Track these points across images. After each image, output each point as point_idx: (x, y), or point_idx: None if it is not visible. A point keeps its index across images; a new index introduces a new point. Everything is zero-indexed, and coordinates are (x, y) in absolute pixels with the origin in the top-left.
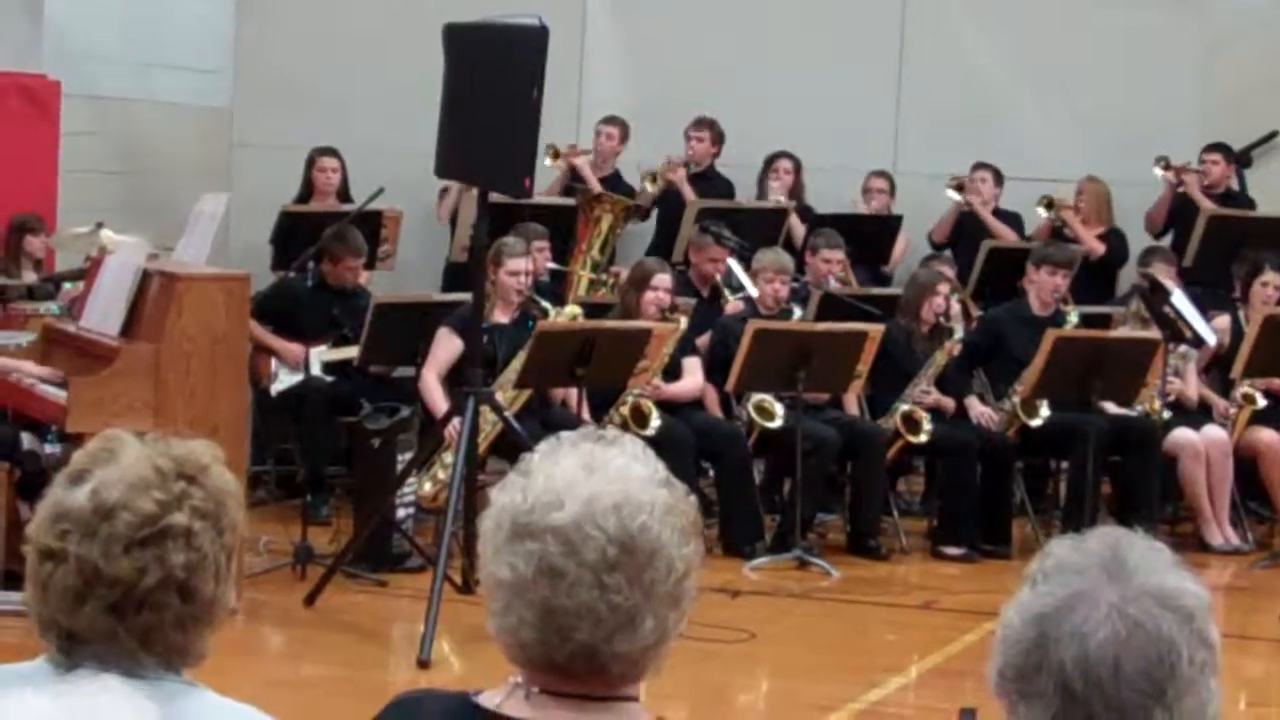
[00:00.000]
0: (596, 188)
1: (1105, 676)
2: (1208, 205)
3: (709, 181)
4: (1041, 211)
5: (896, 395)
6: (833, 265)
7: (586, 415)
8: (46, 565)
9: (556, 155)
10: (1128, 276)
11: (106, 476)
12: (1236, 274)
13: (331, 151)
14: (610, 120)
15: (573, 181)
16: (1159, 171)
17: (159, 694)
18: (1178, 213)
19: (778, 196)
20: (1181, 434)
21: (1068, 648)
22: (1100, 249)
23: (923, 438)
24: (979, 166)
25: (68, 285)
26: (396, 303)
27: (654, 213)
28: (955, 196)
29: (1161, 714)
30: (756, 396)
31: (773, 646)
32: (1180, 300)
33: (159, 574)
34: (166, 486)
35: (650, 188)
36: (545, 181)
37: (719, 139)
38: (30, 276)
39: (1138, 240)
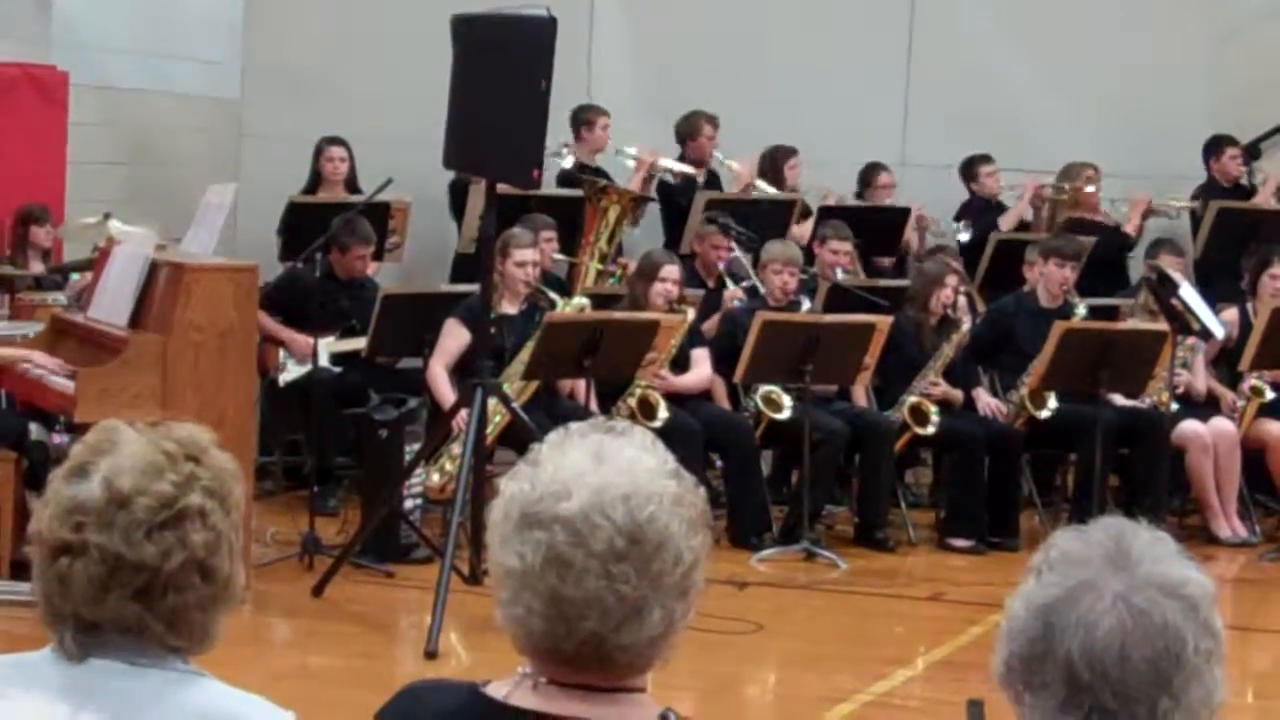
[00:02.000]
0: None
1: (1111, 665)
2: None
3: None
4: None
5: (904, 387)
6: (840, 257)
7: (594, 407)
8: (63, 560)
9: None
10: (1135, 269)
11: (115, 465)
12: (1245, 266)
13: (339, 141)
14: (603, 111)
15: (578, 171)
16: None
17: (168, 682)
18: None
19: (794, 188)
20: (1189, 426)
21: (1074, 638)
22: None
23: (930, 430)
24: (982, 160)
25: (75, 276)
26: (404, 294)
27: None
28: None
29: (1168, 702)
30: (764, 388)
31: (780, 638)
32: (1188, 292)
33: (182, 555)
34: (177, 469)
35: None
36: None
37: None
38: (38, 267)
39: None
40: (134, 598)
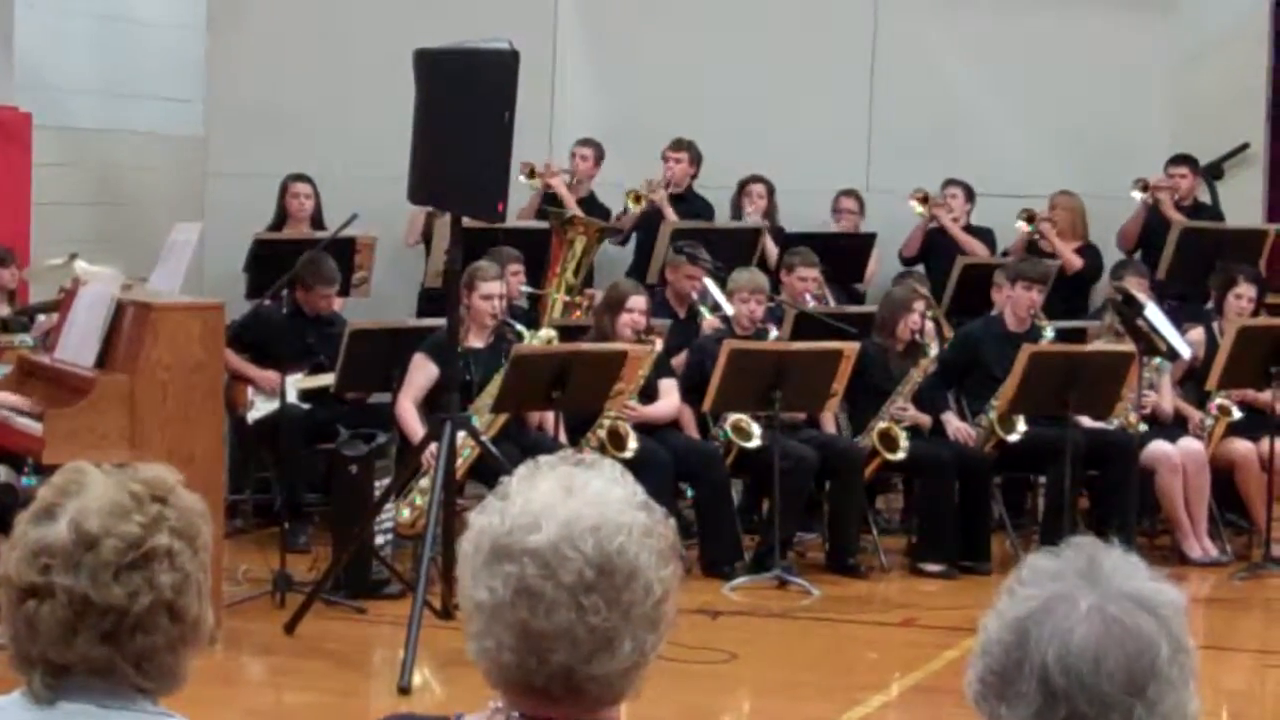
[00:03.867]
0: (574, 208)
1: (1086, 671)
2: (1179, 219)
3: (688, 203)
4: (1021, 225)
5: (873, 413)
6: (808, 283)
7: (563, 438)
8: (30, 602)
9: (532, 174)
10: (1101, 290)
11: (82, 507)
12: (1211, 286)
13: (304, 177)
14: (585, 142)
15: (547, 204)
16: (1137, 194)
17: None
18: (1149, 228)
19: (753, 221)
20: (1158, 447)
21: (1048, 646)
22: (1078, 263)
23: (900, 455)
24: (950, 183)
25: (42, 317)
26: (371, 329)
27: (632, 238)
28: (919, 209)
29: (1143, 710)
30: (733, 416)
31: (753, 666)
32: (1154, 313)
33: (150, 597)
34: (144, 509)
35: (634, 206)
36: (521, 202)
37: (696, 160)
38: (3, 309)
39: (1111, 254)
40: (102, 640)
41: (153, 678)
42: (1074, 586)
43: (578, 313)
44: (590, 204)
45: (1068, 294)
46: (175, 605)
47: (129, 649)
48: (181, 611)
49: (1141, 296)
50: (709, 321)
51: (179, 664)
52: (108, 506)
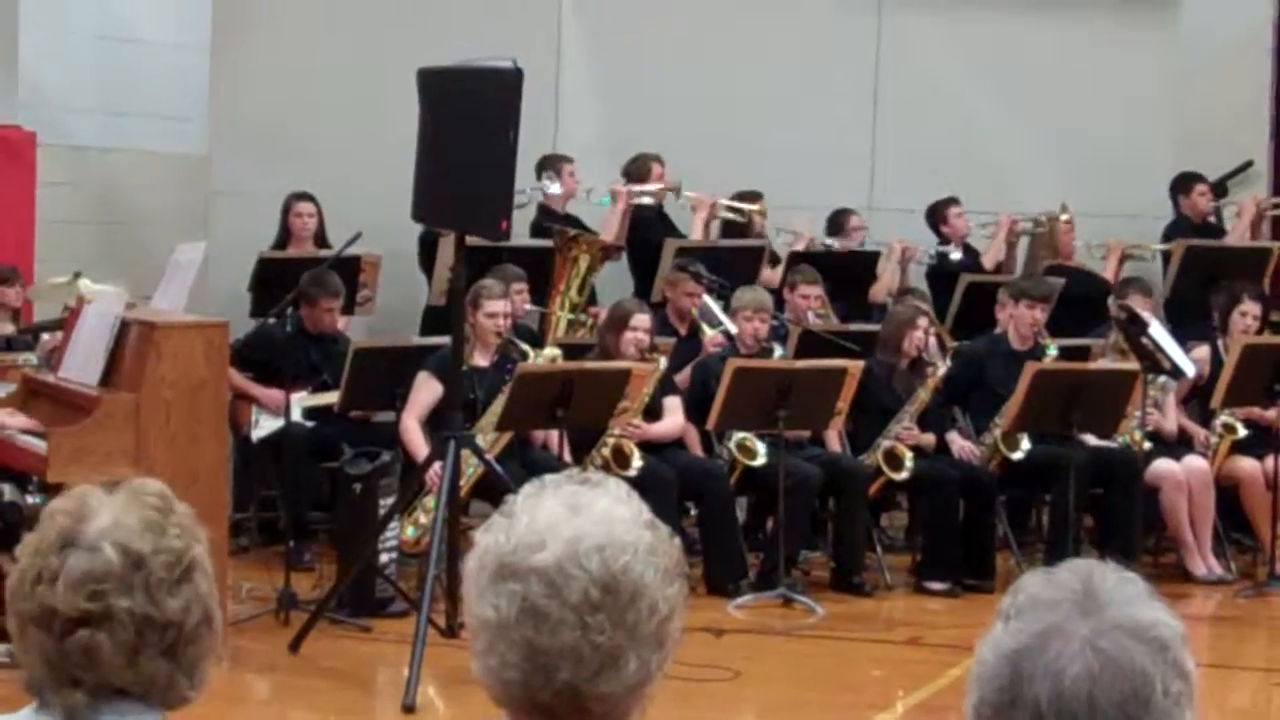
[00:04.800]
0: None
1: (1080, 711)
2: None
3: (664, 222)
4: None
5: (878, 431)
6: (811, 300)
7: (568, 457)
8: (82, 632)
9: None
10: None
11: (116, 526)
12: (1215, 304)
13: (307, 196)
14: (568, 159)
15: (545, 220)
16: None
17: None
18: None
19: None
20: (1163, 465)
21: (1042, 684)
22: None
23: (904, 474)
24: (949, 203)
25: (46, 336)
26: (375, 347)
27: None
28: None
29: None
30: (738, 435)
31: (758, 685)
32: (1158, 331)
33: (200, 608)
34: (174, 522)
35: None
36: (525, 220)
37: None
38: (8, 328)
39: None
40: (164, 655)
41: (197, 686)
42: (1068, 618)
43: (582, 331)
44: (572, 219)
45: (1085, 310)
46: (210, 612)
47: (184, 661)
48: (213, 618)
49: (1145, 314)
50: (710, 338)
51: (209, 670)
52: (143, 524)
